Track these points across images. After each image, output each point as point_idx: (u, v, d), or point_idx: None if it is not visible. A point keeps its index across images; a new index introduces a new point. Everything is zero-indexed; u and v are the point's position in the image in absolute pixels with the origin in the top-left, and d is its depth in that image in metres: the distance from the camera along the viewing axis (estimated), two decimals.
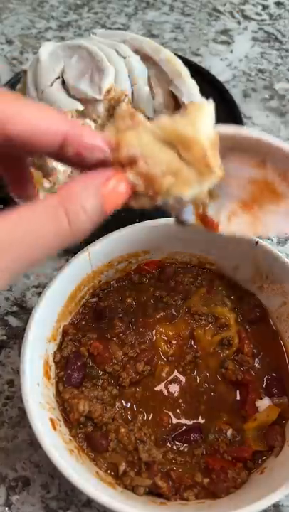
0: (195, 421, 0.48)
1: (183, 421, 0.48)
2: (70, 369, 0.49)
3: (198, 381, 0.50)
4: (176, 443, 0.47)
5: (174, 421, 0.48)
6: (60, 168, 0.62)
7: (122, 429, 0.47)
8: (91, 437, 0.47)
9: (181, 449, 0.47)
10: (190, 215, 0.40)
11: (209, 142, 0.32)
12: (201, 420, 0.48)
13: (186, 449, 0.47)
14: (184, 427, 0.48)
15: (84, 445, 0.47)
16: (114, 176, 0.32)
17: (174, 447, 0.47)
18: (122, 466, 0.46)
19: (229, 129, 0.35)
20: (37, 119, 0.31)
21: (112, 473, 0.46)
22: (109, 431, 0.47)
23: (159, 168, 0.31)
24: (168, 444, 0.47)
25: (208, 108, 0.33)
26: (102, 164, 0.32)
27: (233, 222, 0.39)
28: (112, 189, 0.31)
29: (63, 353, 0.51)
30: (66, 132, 0.31)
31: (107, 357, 0.50)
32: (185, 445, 0.47)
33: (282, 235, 0.66)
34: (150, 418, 0.48)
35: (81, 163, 0.33)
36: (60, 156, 0.32)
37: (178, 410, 0.49)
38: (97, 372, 0.50)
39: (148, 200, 0.33)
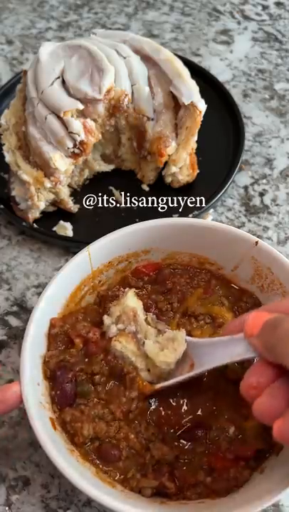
0: (197, 419, 0.48)
1: (185, 419, 0.48)
2: (60, 386, 0.47)
3: (198, 380, 0.50)
4: (181, 441, 0.47)
5: (177, 420, 0.48)
6: (62, 167, 0.62)
7: (132, 436, 0.47)
8: (102, 450, 0.46)
9: (186, 447, 0.47)
10: None
11: None
12: (202, 418, 0.48)
13: (190, 447, 0.47)
14: (188, 425, 0.47)
15: (95, 459, 0.46)
16: None
17: (180, 445, 0.47)
18: (131, 471, 0.46)
19: None
20: None
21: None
22: (118, 440, 0.46)
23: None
24: (173, 443, 0.47)
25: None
26: None
27: None
28: None
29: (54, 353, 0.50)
30: None
31: (102, 346, 0.49)
32: (189, 443, 0.47)
33: None
34: (153, 418, 0.48)
35: None
36: None
37: (180, 409, 0.48)
38: (89, 387, 0.48)
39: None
